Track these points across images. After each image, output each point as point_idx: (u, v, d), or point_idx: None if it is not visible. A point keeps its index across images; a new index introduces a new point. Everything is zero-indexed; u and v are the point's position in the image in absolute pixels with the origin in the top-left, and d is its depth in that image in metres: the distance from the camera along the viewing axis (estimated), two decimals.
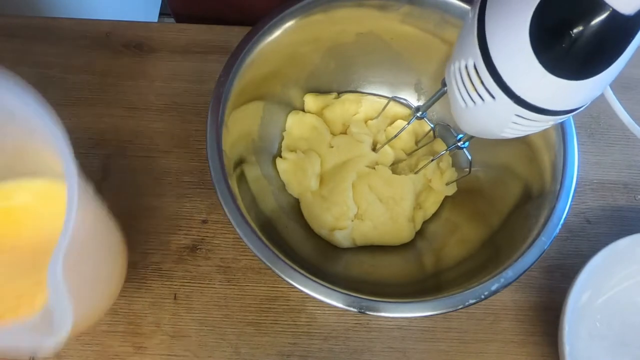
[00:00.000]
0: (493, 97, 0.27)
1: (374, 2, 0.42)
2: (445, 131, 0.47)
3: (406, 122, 0.48)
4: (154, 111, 0.49)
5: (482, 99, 0.28)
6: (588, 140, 0.51)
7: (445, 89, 0.34)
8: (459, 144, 0.40)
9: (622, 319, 0.43)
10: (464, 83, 0.28)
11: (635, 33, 0.23)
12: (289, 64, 0.44)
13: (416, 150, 0.47)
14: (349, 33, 0.44)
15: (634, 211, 0.48)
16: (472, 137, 0.39)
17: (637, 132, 0.40)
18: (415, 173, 0.46)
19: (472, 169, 0.43)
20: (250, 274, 0.44)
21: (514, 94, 0.26)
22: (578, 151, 0.38)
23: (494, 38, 0.25)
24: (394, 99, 0.46)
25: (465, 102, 0.29)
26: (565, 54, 0.23)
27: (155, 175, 0.47)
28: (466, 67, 0.28)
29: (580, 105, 0.27)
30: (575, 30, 0.22)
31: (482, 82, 0.27)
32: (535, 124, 0.28)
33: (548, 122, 0.28)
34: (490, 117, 0.29)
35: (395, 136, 0.45)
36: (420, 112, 0.41)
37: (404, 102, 0.47)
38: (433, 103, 0.39)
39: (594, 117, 0.52)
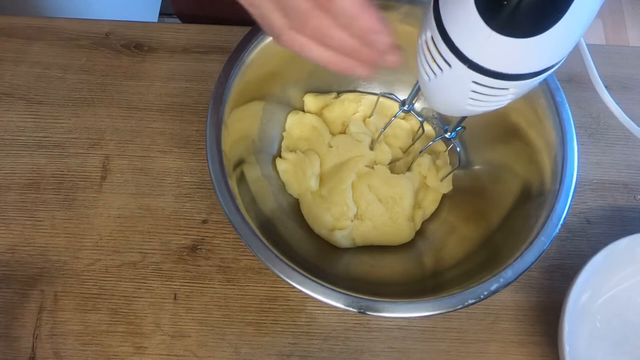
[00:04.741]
0: (449, 65, 0.27)
1: (374, 2, 0.41)
2: (440, 129, 0.47)
3: (405, 121, 0.48)
4: (154, 111, 0.49)
5: (441, 69, 0.28)
6: (588, 140, 0.51)
7: None
8: (446, 134, 0.41)
9: (622, 319, 0.43)
10: (425, 56, 0.29)
11: None
12: (289, 64, 0.43)
13: (411, 145, 0.47)
14: None
15: (634, 211, 0.48)
16: (457, 126, 0.40)
17: (636, 132, 0.40)
18: (409, 168, 0.46)
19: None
20: (250, 274, 0.44)
21: (467, 59, 0.26)
22: (578, 151, 0.38)
23: (445, 7, 0.26)
24: (383, 94, 0.46)
25: (427, 75, 0.30)
26: (510, 13, 0.23)
27: (155, 175, 0.47)
28: (426, 41, 0.28)
29: (535, 70, 0.27)
30: None
31: (439, 52, 0.28)
32: (496, 93, 0.28)
33: (508, 89, 0.28)
34: (451, 87, 0.29)
35: (386, 127, 0.45)
36: (407, 105, 0.42)
37: (394, 98, 0.47)
38: (417, 93, 0.39)
39: (594, 117, 0.51)
